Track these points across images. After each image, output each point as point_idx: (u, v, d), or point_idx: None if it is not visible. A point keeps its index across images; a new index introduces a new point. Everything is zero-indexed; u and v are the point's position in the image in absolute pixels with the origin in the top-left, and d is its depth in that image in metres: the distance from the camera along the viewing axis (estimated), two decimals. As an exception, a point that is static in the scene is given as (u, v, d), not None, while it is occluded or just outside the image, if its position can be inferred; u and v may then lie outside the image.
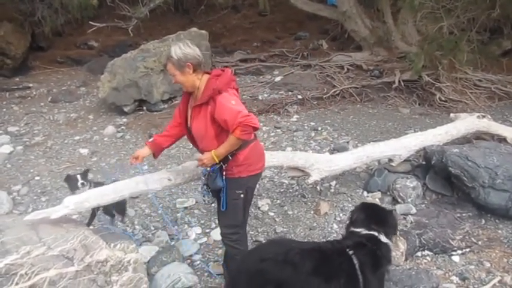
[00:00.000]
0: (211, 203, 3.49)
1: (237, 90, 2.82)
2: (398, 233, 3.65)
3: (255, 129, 2.70)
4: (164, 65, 2.77)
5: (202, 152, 2.90)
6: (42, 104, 7.44)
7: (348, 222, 2.83)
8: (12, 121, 6.75)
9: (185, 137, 3.11)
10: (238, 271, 2.64)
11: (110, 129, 6.37)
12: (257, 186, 4.63)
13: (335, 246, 2.58)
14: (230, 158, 2.78)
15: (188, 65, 2.70)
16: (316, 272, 2.40)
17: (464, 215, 3.93)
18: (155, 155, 3.13)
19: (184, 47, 2.71)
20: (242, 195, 2.87)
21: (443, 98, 6.77)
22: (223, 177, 2.82)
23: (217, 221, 4.05)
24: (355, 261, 2.44)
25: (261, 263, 2.46)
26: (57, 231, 2.84)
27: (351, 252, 2.47)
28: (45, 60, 9.47)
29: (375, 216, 2.69)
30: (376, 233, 2.57)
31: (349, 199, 4.34)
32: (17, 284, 2.51)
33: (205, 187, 3.00)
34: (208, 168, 2.87)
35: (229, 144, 2.71)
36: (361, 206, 2.86)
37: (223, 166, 2.80)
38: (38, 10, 8.77)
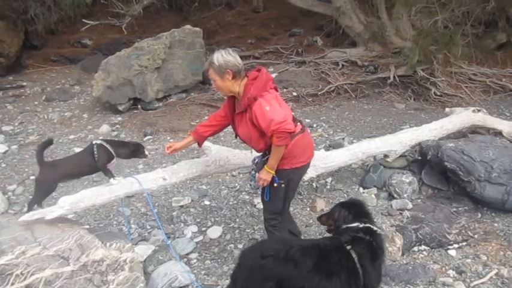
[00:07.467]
0: (256, 189, 3.63)
1: (275, 89, 2.92)
2: (394, 228, 3.69)
3: (291, 133, 2.80)
4: (206, 70, 2.93)
5: (254, 149, 3.07)
6: (36, 102, 7.39)
7: (335, 220, 2.86)
8: (6, 120, 6.70)
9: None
10: (238, 267, 2.64)
11: (105, 128, 6.34)
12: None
13: (333, 243, 2.61)
14: None
15: (228, 72, 2.83)
16: (316, 268, 2.42)
17: (460, 209, 3.94)
18: (199, 144, 3.29)
19: (226, 54, 2.84)
20: (283, 185, 2.96)
21: (438, 93, 6.79)
22: None
23: (213, 219, 4.10)
24: (354, 255, 2.48)
25: (262, 260, 2.46)
26: (52, 231, 2.83)
27: (349, 247, 2.51)
28: (38, 59, 9.40)
29: (356, 210, 2.78)
30: (370, 225, 2.66)
31: (345, 195, 4.34)
32: (12, 284, 2.51)
33: (253, 172, 3.15)
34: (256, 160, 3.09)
35: (275, 153, 2.84)
36: (340, 205, 2.95)
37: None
38: (30, 8, 8.67)
